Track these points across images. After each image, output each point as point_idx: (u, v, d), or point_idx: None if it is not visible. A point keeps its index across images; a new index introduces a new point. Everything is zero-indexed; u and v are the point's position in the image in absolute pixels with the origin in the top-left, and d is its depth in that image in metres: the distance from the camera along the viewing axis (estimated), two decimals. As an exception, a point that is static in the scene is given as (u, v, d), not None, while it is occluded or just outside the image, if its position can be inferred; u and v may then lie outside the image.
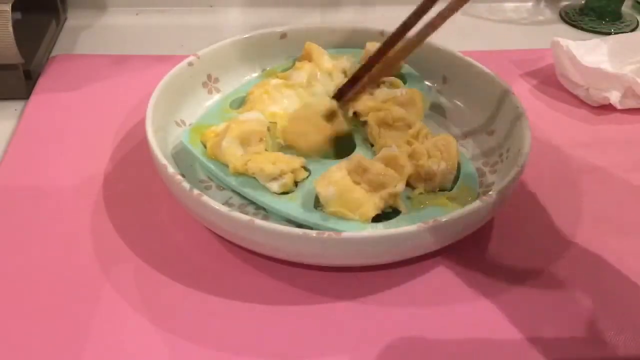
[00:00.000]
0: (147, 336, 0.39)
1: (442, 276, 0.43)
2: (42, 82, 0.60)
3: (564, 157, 0.53)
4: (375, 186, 0.43)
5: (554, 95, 0.61)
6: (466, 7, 0.72)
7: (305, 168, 0.46)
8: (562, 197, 0.50)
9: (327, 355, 0.38)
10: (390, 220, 0.43)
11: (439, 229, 0.40)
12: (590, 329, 0.40)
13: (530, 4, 0.77)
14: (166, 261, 0.43)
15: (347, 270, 0.43)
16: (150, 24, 0.72)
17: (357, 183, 0.43)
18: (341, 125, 0.48)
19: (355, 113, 0.51)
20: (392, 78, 0.54)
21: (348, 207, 0.42)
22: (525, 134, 0.46)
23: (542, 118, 0.57)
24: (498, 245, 0.45)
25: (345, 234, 0.38)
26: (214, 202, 0.40)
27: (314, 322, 0.40)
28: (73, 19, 0.72)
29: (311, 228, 0.41)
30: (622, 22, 0.74)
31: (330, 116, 0.48)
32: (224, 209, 0.40)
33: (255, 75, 0.57)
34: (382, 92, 0.52)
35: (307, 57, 0.55)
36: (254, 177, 0.45)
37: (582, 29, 0.73)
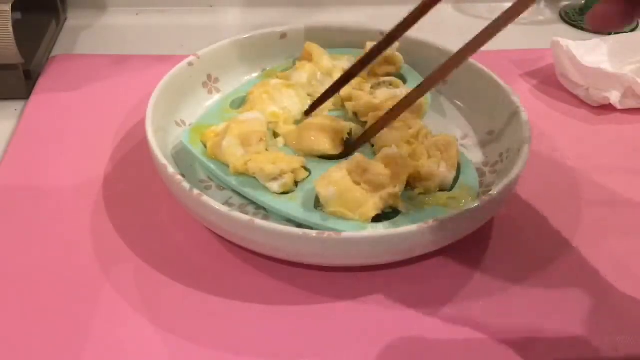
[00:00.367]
0: (147, 336, 0.39)
1: (442, 276, 0.43)
2: (42, 82, 0.60)
3: (564, 157, 0.53)
4: (375, 186, 0.43)
5: (554, 95, 0.61)
6: (466, 7, 0.72)
7: (305, 168, 0.46)
8: (562, 197, 0.50)
9: (327, 355, 0.38)
10: (390, 220, 0.43)
11: (439, 229, 0.40)
12: (590, 329, 0.40)
13: (530, 4, 0.77)
14: (166, 261, 0.43)
15: (347, 270, 0.43)
16: (150, 24, 0.72)
17: (357, 183, 0.43)
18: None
19: (355, 113, 0.51)
20: (392, 78, 0.54)
21: (348, 207, 0.42)
22: (525, 134, 0.46)
23: (542, 118, 0.57)
24: (498, 245, 0.45)
25: (345, 234, 0.38)
26: (214, 202, 0.40)
27: (314, 322, 0.40)
28: (73, 19, 0.72)
29: (311, 228, 0.41)
30: (622, 22, 0.74)
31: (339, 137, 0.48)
32: (224, 209, 0.40)
33: (255, 75, 0.57)
34: (382, 92, 0.52)
35: (307, 57, 0.55)
36: (254, 177, 0.45)
37: (582, 29, 0.73)
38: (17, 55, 0.56)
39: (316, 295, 0.41)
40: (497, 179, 0.47)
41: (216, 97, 0.55)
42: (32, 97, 0.58)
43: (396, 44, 0.54)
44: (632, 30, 0.73)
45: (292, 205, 0.43)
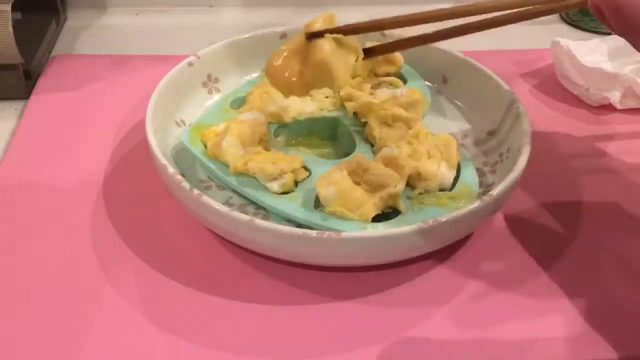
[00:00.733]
0: (147, 336, 0.39)
1: (442, 276, 0.43)
2: (42, 82, 0.60)
3: (564, 157, 0.53)
4: (375, 186, 0.43)
5: (554, 95, 0.61)
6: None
7: (305, 168, 0.46)
8: (562, 197, 0.50)
9: (327, 355, 0.38)
10: (390, 220, 0.43)
11: (439, 229, 0.40)
12: (590, 329, 0.40)
13: (530, 4, 0.77)
14: (166, 261, 0.43)
15: (347, 270, 0.43)
16: (150, 24, 0.72)
17: (357, 183, 0.43)
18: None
19: (355, 113, 0.51)
20: (392, 78, 0.54)
21: (348, 207, 0.42)
22: (525, 134, 0.46)
23: (542, 118, 0.57)
24: (498, 245, 0.45)
25: (345, 234, 0.38)
26: (214, 202, 0.40)
27: (314, 322, 0.40)
28: (73, 19, 0.71)
29: (311, 228, 0.41)
30: (622, 22, 0.74)
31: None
32: (224, 209, 0.40)
33: (255, 75, 0.57)
34: (382, 92, 0.52)
35: (307, 57, 0.55)
36: (254, 177, 0.45)
37: (582, 29, 0.73)
38: (17, 55, 0.56)
39: (316, 295, 0.41)
40: (497, 179, 0.47)
41: (216, 97, 0.55)
42: (32, 97, 0.58)
43: None
44: (632, 30, 0.73)
45: (292, 205, 0.43)
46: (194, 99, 0.53)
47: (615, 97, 0.58)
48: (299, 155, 0.47)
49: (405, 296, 0.42)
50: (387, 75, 0.55)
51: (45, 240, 0.45)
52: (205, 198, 0.40)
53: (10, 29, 0.55)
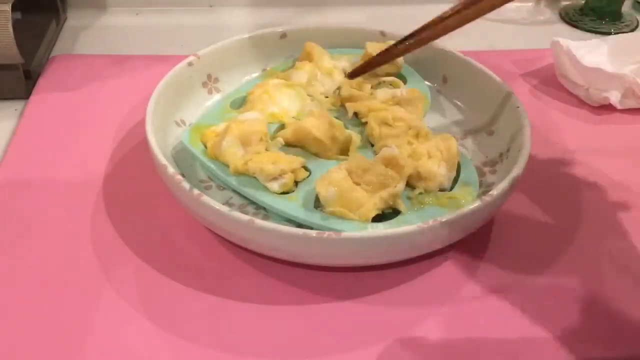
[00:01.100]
0: (147, 336, 0.39)
1: (442, 276, 0.43)
2: (42, 82, 0.60)
3: (564, 157, 0.53)
4: (375, 186, 0.43)
5: (554, 95, 0.61)
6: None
7: (305, 168, 0.46)
8: (562, 197, 0.50)
9: (327, 355, 0.38)
10: (390, 220, 0.43)
11: (439, 229, 0.40)
12: (590, 328, 0.40)
13: (530, 4, 0.77)
14: (166, 261, 0.43)
15: (347, 270, 0.43)
16: (150, 24, 0.72)
17: (357, 183, 0.43)
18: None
19: (355, 113, 0.51)
20: (392, 78, 0.54)
21: (348, 207, 0.42)
22: (525, 134, 0.46)
23: (542, 118, 0.57)
24: (498, 245, 0.45)
25: (345, 234, 0.38)
26: (214, 202, 0.40)
27: (314, 322, 0.40)
28: (73, 19, 0.72)
29: (311, 228, 0.41)
30: (622, 22, 0.74)
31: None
32: (224, 209, 0.40)
33: (255, 75, 0.57)
34: (382, 92, 0.52)
35: (307, 57, 0.55)
36: (254, 177, 0.45)
37: (582, 29, 0.73)
38: (17, 55, 0.56)
39: (316, 295, 0.41)
40: (497, 179, 0.47)
41: (216, 97, 0.55)
42: (32, 97, 0.58)
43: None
44: (632, 30, 0.73)
45: (292, 205, 0.43)
46: (194, 99, 0.53)
47: (615, 97, 0.58)
48: (299, 156, 0.47)
49: (405, 296, 0.42)
50: (387, 75, 0.55)
51: (45, 240, 0.45)
52: (205, 198, 0.40)
53: (10, 29, 0.55)
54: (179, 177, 0.42)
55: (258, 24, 0.70)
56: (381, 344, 0.39)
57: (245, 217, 0.39)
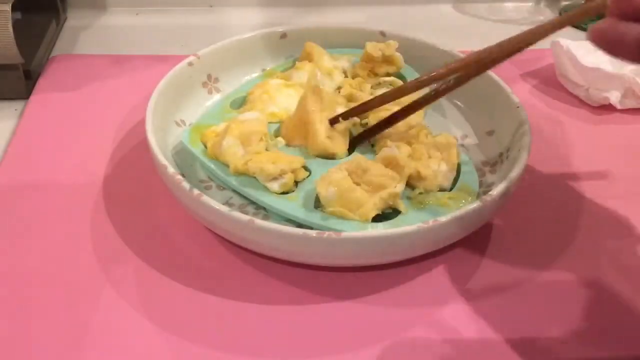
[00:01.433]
0: (147, 336, 0.39)
1: (442, 276, 0.43)
2: (42, 82, 0.60)
3: (564, 157, 0.53)
4: (375, 186, 0.43)
5: (554, 95, 0.61)
6: (466, 6, 0.72)
7: (305, 168, 0.46)
8: (561, 197, 0.50)
9: (327, 355, 0.38)
10: (390, 220, 0.43)
11: (439, 229, 0.40)
12: (590, 328, 0.40)
13: (530, 4, 0.77)
14: (166, 261, 0.43)
15: (347, 270, 0.43)
16: (150, 24, 0.72)
17: (357, 183, 0.43)
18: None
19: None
20: (392, 78, 0.54)
21: (348, 207, 0.42)
22: (525, 134, 0.46)
23: (542, 118, 0.57)
24: (498, 245, 0.45)
25: (345, 234, 0.38)
26: (214, 202, 0.40)
27: (314, 322, 0.40)
28: (73, 19, 0.72)
29: (311, 228, 0.41)
30: (622, 22, 0.74)
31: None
32: (224, 209, 0.40)
33: (255, 75, 0.57)
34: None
35: (307, 57, 0.55)
36: (254, 177, 0.45)
37: (582, 29, 0.73)
38: (17, 55, 0.56)
39: (316, 295, 0.41)
40: (497, 179, 0.47)
41: (216, 97, 0.55)
42: (32, 97, 0.58)
43: (395, 44, 0.54)
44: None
45: (292, 205, 0.43)
46: (194, 99, 0.54)
47: (615, 97, 0.58)
48: (299, 156, 0.47)
49: (405, 296, 0.42)
50: (387, 75, 0.55)
51: (46, 240, 0.45)
52: (205, 198, 0.40)
53: (10, 29, 0.55)
54: (179, 177, 0.42)
55: (258, 24, 0.70)
56: (381, 344, 0.39)
57: (245, 217, 0.39)
